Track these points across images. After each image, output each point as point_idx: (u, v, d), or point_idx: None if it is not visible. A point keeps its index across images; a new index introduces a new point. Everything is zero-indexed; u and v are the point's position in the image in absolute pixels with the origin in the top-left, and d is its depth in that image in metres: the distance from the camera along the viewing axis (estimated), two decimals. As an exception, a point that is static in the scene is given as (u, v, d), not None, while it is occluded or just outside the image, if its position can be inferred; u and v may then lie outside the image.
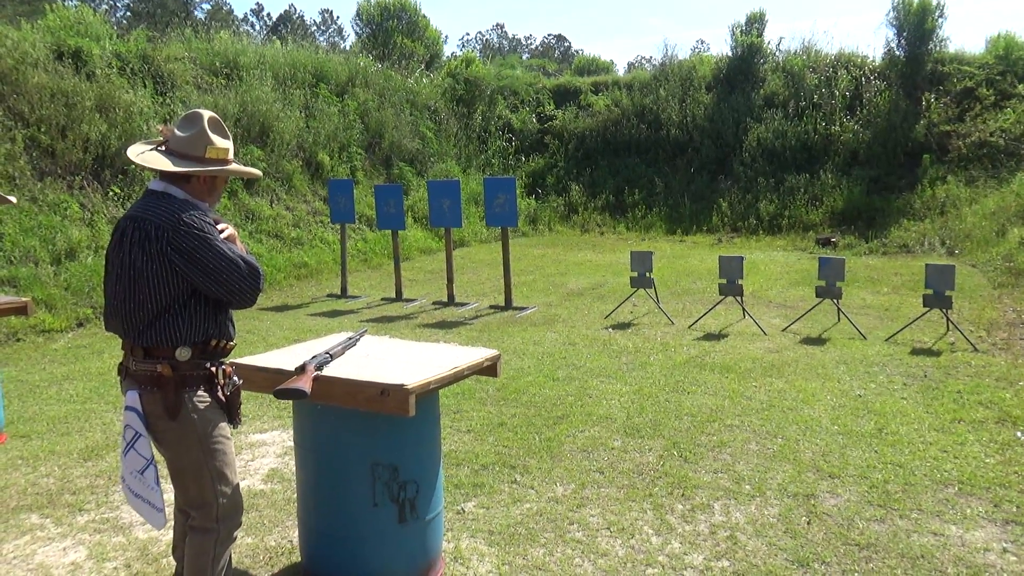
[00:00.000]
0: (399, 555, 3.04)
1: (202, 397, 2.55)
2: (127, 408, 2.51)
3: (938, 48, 16.87)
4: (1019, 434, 4.71)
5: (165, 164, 2.52)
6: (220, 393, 2.60)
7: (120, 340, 2.61)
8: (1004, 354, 6.57)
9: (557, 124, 19.98)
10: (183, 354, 2.50)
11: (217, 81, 13.34)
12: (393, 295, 10.14)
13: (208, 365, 2.57)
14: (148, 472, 2.49)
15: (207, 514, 2.57)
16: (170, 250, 2.44)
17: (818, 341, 7.26)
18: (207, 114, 2.63)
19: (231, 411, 2.67)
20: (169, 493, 2.76)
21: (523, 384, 5.96)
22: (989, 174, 14.01)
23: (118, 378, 2.64)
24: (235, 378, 2.68)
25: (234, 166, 2.68)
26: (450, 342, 3.61)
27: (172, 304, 2.49)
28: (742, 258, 7.98)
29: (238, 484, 2.66)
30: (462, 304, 9.56)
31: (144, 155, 2.56)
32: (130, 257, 2.47)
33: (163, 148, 2.59)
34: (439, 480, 3.18)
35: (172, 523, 2.92)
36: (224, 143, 2.63)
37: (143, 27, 13.93)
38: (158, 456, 2.56)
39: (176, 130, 2.60)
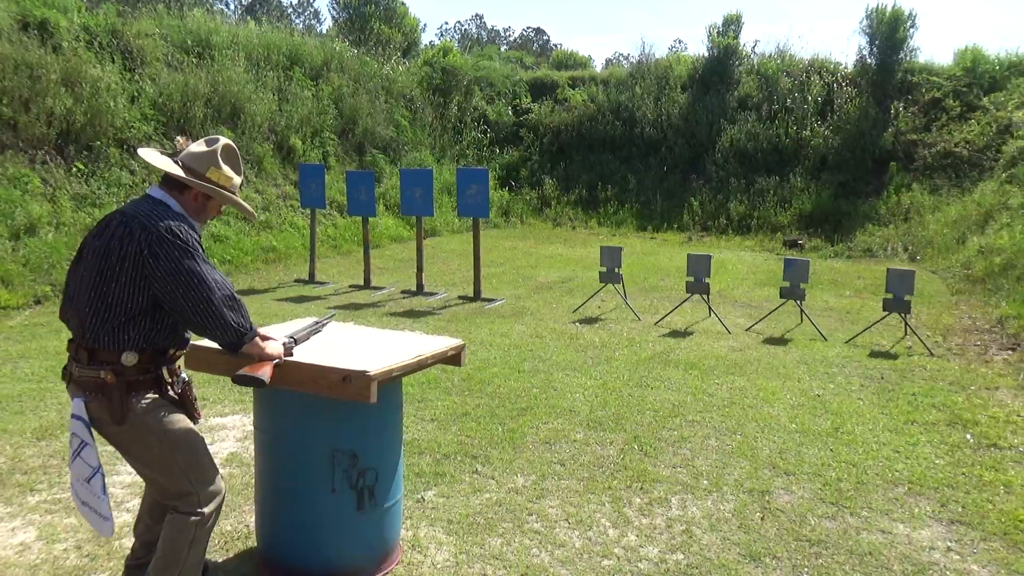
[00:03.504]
0: (356, 542, 3.04)
1: (151, 399, 2.51)
2: (73, 416, 2.46)
3: (908, 58, 17.18)
4: (968, 436, 4.84)
5: (169, 167, 2.56)
6: (171, 392, 2.58)
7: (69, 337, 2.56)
8: (958, 359, 6.74)
9: (533, 117, 19.98)
10: (129, 359, 2.44)
11: (188, 59, 13.09)
12: (362, 282, 10.07)
13: (154, 368, 2.52)
14: (95, 480, 2.45)
15: (189, 502, 2.55)
16: (147, 253, 2.39)
17: (780, 341, 7.38)
18: (224, 141, 2.67)
19: (186, 407, 2.63)
20: (125, 499, 2.71)
21: (488, 375, 5.97)
22: (952, 183, 14.33)
23: (64, 382, 2.58)
24: (183, 375, 2.65)
25: (231, 195, 2.68)
26: (416, 331, 3.60)
27: (130, 309, 2.43)
28: (710, 257, 8.08)
29: (212, 469, 2.63)
30: (431, 294, 9.54)
31: (157, 156, 2.60)
32: (106, 248, 2.44)
33: (175, 158, 2.62)
34: (399, 468, 3.18)
35: (135, 527, 2.89)
36: (230, 172, 2.67)
37: (113, 1, 13.59)
38: (109, 464, 2.52)
39: (192, 146, 2.64)
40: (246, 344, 2.59)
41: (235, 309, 2.53)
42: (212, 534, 3.40)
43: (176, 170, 2.55)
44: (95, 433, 2.49)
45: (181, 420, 2.57)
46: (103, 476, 2.48)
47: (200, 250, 2.49)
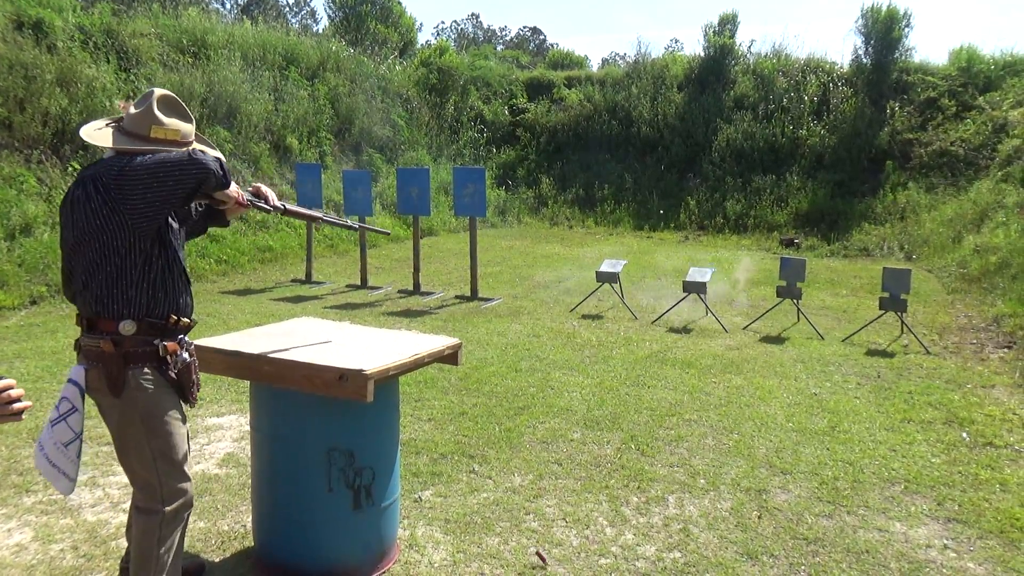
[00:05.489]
0: (353, 541, 3.03)
1: (147, 375, 2.46)
2: (69, 380, 2.45)
3: (903, 57, 17.21)
4: (965, 435, 4.85)
5: (106, 141, 2.45)
6: (170, 371, 2.51)
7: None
8: (954, 357, 6.76)
9: (529, 117, 19.99)
10: (127, 328, 2.42)
11: (184, 59, 13.06)
12: (358, 282, 10.06)
13: (155, 341, 2.48)
14: (72, 446, 2.43)
15: (151, 495, 2.51)
16: (114, 194, 2.34)
17: (777, 340, 7.38)
18: (159, 92, 2.53)
19: (183, 389, 2.57)
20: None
21: (485, 374, 5.96)
22: (948, 182, 14.36)
23: (76, 353, 2.58)
24: (184, 354, 2.57)
25: (184, 150, 2.55)
26: (413, 330, 3.60)
27: (119, 266, 2.40)
28: (712, 270, 8.19)
29: (184, 467, 2.57)
30: (428, 293, 9.53)
31: (94, 133, 2.50)
32: (73, 216, 2.41)
33: (117, 125, 2.52)
34: (396, 467, 3.18)
35: (127, 530, 2.86)
36: (176, 124, 2.53)
37: (108, 0, 13.56)
38: (106, 464, 2.50)
39: (131, 107, 2.54)
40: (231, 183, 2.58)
41: (203, 157, 2.45)
42: (210, 534, 3.41)
43: (109, 143, 2.44)
44: (87, 403, 2.48)
45: (169, 408, 2.52)
46: (81, 443, 2.46)
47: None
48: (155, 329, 2.48)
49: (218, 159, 2.51)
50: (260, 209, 2.79)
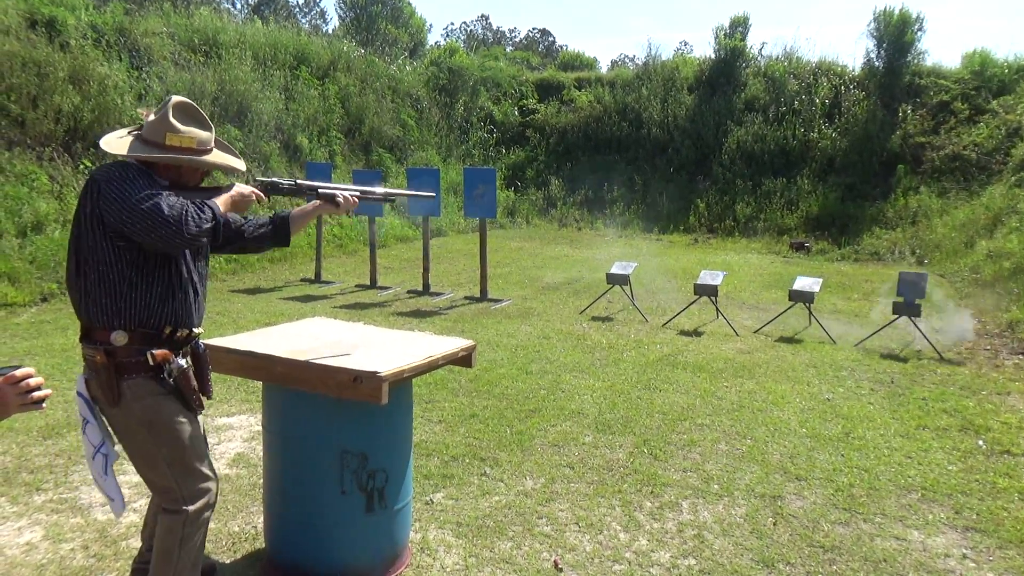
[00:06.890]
0: (365, 544, 3.00)
1: (143, 385, 2.40)
2: (76, 393, 2.44)
3: (916, 61, 17.11)
4: (981, 442, 4.79)
5: (118, 150, 2.41)
6: (168, 380, 2.44)
7: None
8: (968, 363, 6.69)
9: (539, 118, 19.97)
10: (119, 339, 2.35)
11: (195, 58, 13.09)
12: (368, 282, 10.05)
13: (147, 351, 2.40)
14: (97, 459, 2.40)
15: (171, 498, 2.49)
16: (102, 203, 2.29)
17: (789, 344, 7.33)
18: (176, 99, 2.48)
19: (184, 398, 2.49)
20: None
21: (496, 376, 5.93)
22: (960, 187, 14.26)
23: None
24: (180, 361, 2.48)
25: (206, 157, 2.50)
26: (424, 331, 3.57)
27: (108, 276, 2.34)
28: (724, 273, 8.17)
29: (201, 467, 2.53)
30: (437, 294, 9.51)
31: (114, 142, 2.46)
32: (76, 218, 2.37)
33: (138, 133, 2.49)
34: (408, 470, 3.15)
35: (142, 530, 2.85)
36: (192, 132, 2.46)
37: (121, -1, 13.65)
38: (116, 464, 2.48)
39: (151, 114, 2.50)
40: (220, 213, 2.45)
41: (193, 212, 2.34)
42: (221, 535, 3.39)
43: (120, 152, 2.39)
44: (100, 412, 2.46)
45: (172, 411, 2.46)
46: (107, 456, 2.42)
47: (147, 182, 2.33)
48: (149, 340, 2.41)
49: (213, 218, 2.40)
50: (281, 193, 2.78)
